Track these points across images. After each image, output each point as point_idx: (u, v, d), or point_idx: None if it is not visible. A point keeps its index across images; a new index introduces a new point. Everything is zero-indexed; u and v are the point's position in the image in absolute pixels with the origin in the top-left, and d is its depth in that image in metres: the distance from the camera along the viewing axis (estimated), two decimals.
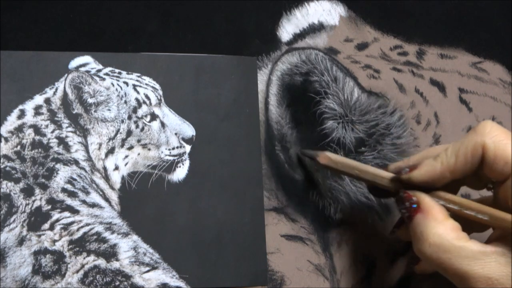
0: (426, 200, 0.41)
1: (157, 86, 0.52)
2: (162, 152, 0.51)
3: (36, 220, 0.47)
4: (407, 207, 0.41)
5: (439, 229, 0.39)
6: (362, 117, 0.53)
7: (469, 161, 0.40)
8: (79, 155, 0.49)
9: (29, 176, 0.48)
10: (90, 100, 0.50)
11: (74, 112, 0.50)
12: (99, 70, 0.52)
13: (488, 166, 0.39)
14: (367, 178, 0.45)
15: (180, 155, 0.51)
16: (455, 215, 0.41)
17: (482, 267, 0.37)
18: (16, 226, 0.47)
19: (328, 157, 0.47)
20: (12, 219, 0.47)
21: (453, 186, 0.43)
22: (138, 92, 0.51)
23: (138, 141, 0.50)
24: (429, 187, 0.42)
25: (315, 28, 0.57)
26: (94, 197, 0.49)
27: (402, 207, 0.42)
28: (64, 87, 0.50)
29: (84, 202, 0.48)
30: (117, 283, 0.47)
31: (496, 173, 0.40)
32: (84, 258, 0.47)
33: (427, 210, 0.40)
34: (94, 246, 0.47)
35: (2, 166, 0.48)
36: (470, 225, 0.41)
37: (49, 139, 0.49)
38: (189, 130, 0.51)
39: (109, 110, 0.50)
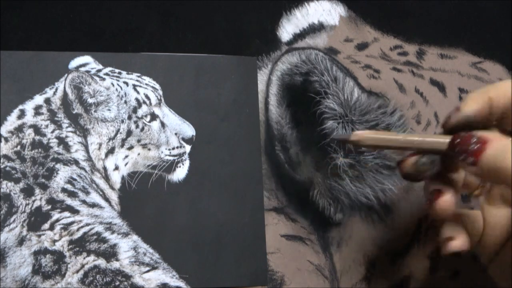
0: (484, 132, 0.39)
1: (157, 86, 0.52)
2: (162, 152, 0.51)
3: (36, 220, 0.47)
4: (474, 146, 0.39)
5: None
6: (362, 117, 0.53)
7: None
8: (79, 155, 0.49)
9: (29, 176, 0.48)
10: (90, 100, 0.50)
11: (74, 112, 0.50)
12: (99, 70, 0.52)
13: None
14: (414, 146, 0.42)
15: (180, 155, 0.51)
16: None
17: None
18: (16, 226, 0.47)
19: (362, 135, 0.43)
20: (12, 219, 0.47)
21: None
22: (138, 92, 0.51)
23: (138, 141, 0.50)
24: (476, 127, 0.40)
25: (315, 28, 0.57)
26: (94, 197, 0.49)
27: (465, 149, 0.39)
28: (64, 87, 0.50)
29: (84, 202, 0.48)
30: (117, 283, 0.47)
31: None
32: (84, 258, 0.47)
33: (494, 138, 0.38)
34: (94, 246, 0.47)
35: (2, 166, 0.48)
36: None
37: (49, 139, 0.49)
38: (189, 130, 0.51)
39: (109, 110, 0.50)
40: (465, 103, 0.41)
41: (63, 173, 0.49)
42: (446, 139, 0.41)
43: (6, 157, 0.48)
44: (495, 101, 0.40)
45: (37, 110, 0.50)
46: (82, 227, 0.47)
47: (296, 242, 0.51)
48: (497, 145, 0.38)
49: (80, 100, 0.50)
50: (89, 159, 0.49)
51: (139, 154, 0.50)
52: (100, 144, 0.50)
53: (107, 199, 0.49)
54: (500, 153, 0.37)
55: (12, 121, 0.49)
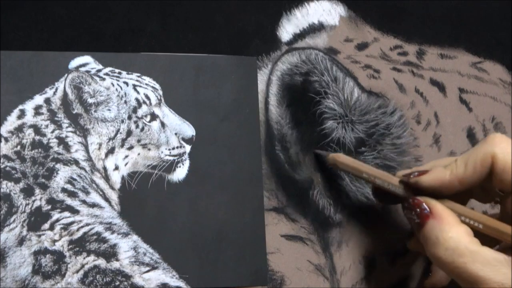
0: (437, 205, 0.41)
1: (157, 86, 0.52)
2: (162, 152, 0.51)
3: (36, 220, 0.47)
4: (418, 213, 0.41)
5: (454, 233, 0.39)
6: (362, 117, 0.53)
7: (478, 171, 0.40)
8: (79, 155, 0.49)
9: (29, 176, 0.48)
10: (90, 100, 0.50)
11: (74, 112, 0.50)
12: (99, 70, 0.52)
13: (497, 176, 0.39)
14: (375, 182, 0.45)
15: (180, 155, 0.51)
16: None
17: (496, 273, 0.37)
18: (16, 226, 0.47)
19: (335, 158, 0.49)
20: (12, 219, 0.47)
21: (461, 199, 0.43)
22: (138, 92, 0.51)
23: (138, 141, 0.50)
24: (436, 195, 0.42)
25: (315, 28, 0.57)
26: (94, 197, 0.49)
27: (412, 213, 0.42)
28: (64, 87, 0.50)
29: (84, 202, 0.48)
30: (117, 283, 0.47)
31: (504, 184, 0.40)
32: (84, 258, 0.47)
33: (440, 215, 0.40)
34: (94, 246, 0.47)
35: (2, 166, 0.48)
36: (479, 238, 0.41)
37: (49, 139, 0.49)
38: (189, 130, 0.51)
39: (109, 110, 0.50)
40: (428, 175, 0.42)
41: (63, 173, 0.49)
42: (390, 182, 0.44)
43: (6, 157, 0.48)
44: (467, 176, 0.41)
45: (37, 110, 0.50)
46: (82, 227, 0.47)
47: (296, 242, 0.51)
48: (432, 224, 0.40)
49: (80, 100, 0.50)
50: (89, 159, 0.49)
51: (139, 154, 0.50)
52: (100, 144, 0.50)
53: (107, 199, 0.49)
54: (436, 234, 0.40)
55: (12, 121, 0.49)
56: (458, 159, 0.41)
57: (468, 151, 0.41)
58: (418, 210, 0.41)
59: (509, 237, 0.39)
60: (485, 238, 0.40)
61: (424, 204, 0.41)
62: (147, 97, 0.51)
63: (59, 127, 0.50)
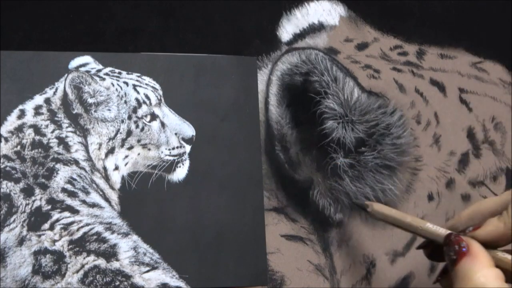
0: (476, 245, 0.41)
1: (157, 86, 0.52)
2: (162, 152, 0.51)
3: (36, 220, 0.47)
4: (456, 250, 0.41)
5: (484, 274, 0.39)
6: (362, 117, 0.53)
7: None
8: (79, 155, 0.49)
9: (29, 176, 0.48)
10: (90, 100, 0.50)
11: (74, 112, 0.50)
12: (99, 70, 0.52)
13: None
14: (422, 235, 0.45)
15: (180, 155, 0.51)
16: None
17: None
18: (16, 226, 0.47)
19: (373, 207, 0.47)
20: (12, 219, 0.47)
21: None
22: (138, 92, 0.51)
23: (138, 141, 0.50)
24: (492, 246, 0.42)
25: (315, 28, 0.57)
26: (94, 197, 0.49)
27: (451, 250, 0.42)
28: (64, 87, 0.50)
29: (84, 202, 0.48)
30: (117, 283, 0.47)
31: None
32: (84, 258, 0.47)
33: (475, 254, 0.40)
34: (94, 246, 0.47)
35: (2, 166, 0.48)
36: None
37: (49, 139, 0.49)
38: (189, 130, 0.51)
39: (109, 110, 0.50)
40: (483, 229, 0.42)
41: (63, 173, 0.49)
42: (443, 233, 0.43)
43: (6, 157, 0.48)
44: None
45: (37, 110, 0.50)
46: (82, 227, 0.47)
47: (296, 242, 0.51)
48: (466, 262, 0.40)
49: (80, 100, 0.50)
50: (89, 159, 0.49)
51: (139, 154, 0.50)
52: (100, 144, 0.50)
53: (107, 199, 0.49)
54: (467, 271, 0.40)
55: (12, 121, 0.49)
56: (509, 208, 0.41)
57: None
58: (457, 247, 0.41)
59: None
60: None
61: (464, 242, 0.41)
62: (147, 97, 0.51)
63: (59, 127, 0.50)
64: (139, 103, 0.51)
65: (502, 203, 0.42)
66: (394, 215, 0.46)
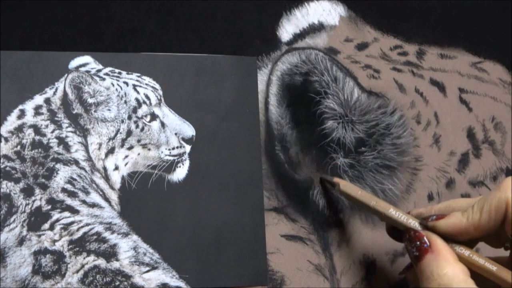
0: (438, 241, 0.41)
1: (157, 86, 0.52)
2: (162, 152, 0.51)
3: (36, 220, 0.47)
4: (418, 246, 0.41)
5: (450, 270, 0.39)
6: (362, 117, 0.53)
7: (493, 218, 0.39)
8: (79, 155, 0.49)
9: (29, 176, 0.48)
10: (90, 100, 0.50)
11: (74, 112, 0.50)
12: (99, 70, 0.52)
13: (510, 222, 0.39)
14: (385, 220, 0.45)
15: (180, 155, 0.51)
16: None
17: None
18: (16, 226, 0.47)
19: (339, 186, 0.48)
20: (12, 219, 0.47)
21: (471, 241, 0.42)
22: (138, 92, 0.51)
23: (138, 141, 0.50)
24: (450, 239, 0.41)
25: (315, 28, 0.57)
26: (94, 197, 0.49)
27: (412, 246, 0.41)
28: (64, 87, 0.50)
29: (84, 202, 0.48)
30: (117, 283, 0.47)
31: None
32: (84, 258, 0.47)
33: (438, 251, 0.40)
34: (94, 246, 0.47)
35: (2, 166, 0.48)
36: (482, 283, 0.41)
37: (49, 139, 0.49)
38: (189, 130, 0.51)
39: (109, 110, 0.50)
40: (445, 220, 0.42)
41: (63, 173, 0.49)
42: (407, 222, 0.43)
43: (6, 157, 0.48)
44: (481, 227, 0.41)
45: (37, 110, 0.50)
46: (82, 227, 0.47)
47: (296, 242, 0.51)
48: (429, 259, 0.40)
49: (80, 100, 0.50)
50: (89, 159, 0.49)
51: (139, 154, 0.50)
52: (100, 144, 0.50)
53: (107, 199, 0.49)
54: (432, 269, 0.39)
55: (12, 121, 0.49)
56: (475, 205, 0.41)
57: (483, 197, 0.41)
58: (418, 243, 0.41)
59: (508, 285, 0.38)
60: (488, 282, 0.40)
61: (425, 237, 0.41)
62: (147, 97, 0.51)
63: (59, 127, 0.50)
64: (139, 103, 0.51)
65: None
66: (359, 197, 0.46)
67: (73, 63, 0.52)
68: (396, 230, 0.45)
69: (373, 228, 0.52)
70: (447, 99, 0.56)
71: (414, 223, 0.43)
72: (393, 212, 0.44)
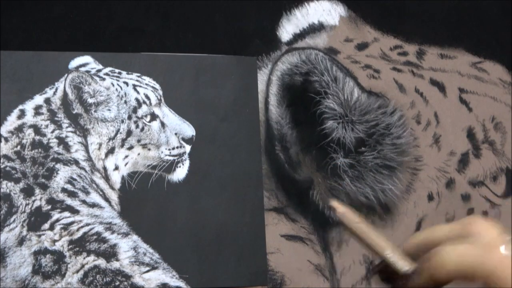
0: None
1: (157, 86, 0.52)
2: (162, 152, 0.51)
3: (36, 220, 0.47)
4: None
5: None
6: (362, 117, 0.53)
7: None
8: (79, 155, 0.49)
9: (29, 176, 0.48)
10: (90, 100, 0.50)
11: (74, 112, 0.50)
12: (99, 70, 0.52)
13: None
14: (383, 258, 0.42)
15: (180, 155, 0.51)
16: None
17: None
18: (16, 226, 0.47)
19: (337, 212, 0.43)
20: (12, 219, 0.47)
21: None
22: (138, 92, 0.51)
23: (138, 141, 0.50)
24: None
25: (315, 28, 0.57)
26: (94, 197, 0.49)
27: None
28: (64, 87, 0.50)
29: (84, 202, 0.48)
30: (117, 283, 0.47)
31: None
32: (84, 258, 0.47)
33: None
34: (94, 246, 0.47)
35: (2, 166, 0.48)
36: None
37: (49, 139, 0.49)
38: (189, 130, 0.51)
39: (109, 110, 0.50)
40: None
41: (63, 173, 0.49)
42: (404, 265, 0.39)
43: (6, 157, 0.48)
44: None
45: (37, 110, 0.50)
46: (82, 227, 0.47)
47: (296, 242, 0.51)
48: None
49: (80, 100, 0.50)
50: (89, 159, 0.49)
51: (139, 154, 0.50)
52: (100, 144, 0.50)
53: (107, 199, 0.49)
54: None
55: (12, 121, 0.49)
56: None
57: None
58: None
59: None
60: None
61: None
62: (147, 97, 0.51)
63: (59, 127, 0.50)
64: (139, 103, 0.51)
65: (454, 233, 0.40)
66: (356, 229, 0.41)
67: (73, 63, 0.52)
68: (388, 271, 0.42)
69: (373, 228, 0.52)
70: (447, 99, 0.56)
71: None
72: (390, 255, 0.41)
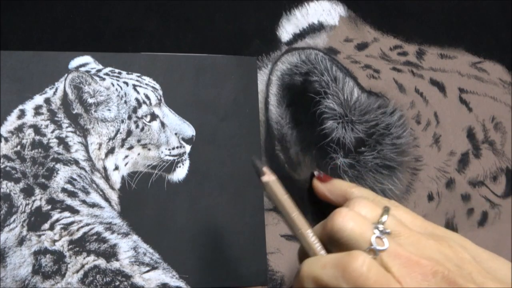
0: None
1: (157, 86, 0.52)
2: (162, 152, 0.51)
3: (36, 220, 0.47)
4: None
5: None
6: (362, 117, 0.53)
7: None
8: (79, 155, 0.49)
9: (29, 176, 0.48)
10: (90, 100, 0.50)
11: (74, 112, 0.50)
12: (99, 70, 0.52)
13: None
14: (298, 239, 0.42)
15: (180, 155, 0.51)
16: None
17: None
18: (16, 226, 0.47)
19: (269, 187, 0.42)
20: (12, 219, 0.47)
21: None
22: (138, 92, 0.51)
23: (138, 141, 0.50)
24: None
25: (315, 28, 0.57)
26: (94, 197, 0.49)
27: None
28: (64, 87, 0.50)
29: (84, 202, 0.48)
30: (117, 283, 0.47)
31: None
32: (84, 258, 0.47)
33: None
34: (94, 246, 0.47)
35: (2, 166, 0.48)
36: None
37: (49, 139, 0.49)
38: (189, 130, 0.51)
39: (109, 110, 0.50)
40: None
41: (63, 173, 0.49)
42: (316, 251, 0.41)
43: (6, 157, 0.48)
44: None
45: (37, 110, 0.50)
46: (82, 227, 0.48)
47: (296, 242, 0.51)
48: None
49: (80, 100, 0.50)
50: (89, 159, 0.49)
51: (139, 154, 0.50)
52: (100, 144, 0.50)
53: (107, 199, 0.49)
54: None
55: (12, 121, 0.49)
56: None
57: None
58: None
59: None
60: None
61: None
62: (147, 97, 0.51)
63: (59, 127, 0.50)
64: (139, 103, 0.51)
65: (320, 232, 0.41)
66: (283, 202, 0.42)
67: (73, 63, 0.52)
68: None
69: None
70: (447, 99, 0.56)
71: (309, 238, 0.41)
72: (310, 235, 0.41)
